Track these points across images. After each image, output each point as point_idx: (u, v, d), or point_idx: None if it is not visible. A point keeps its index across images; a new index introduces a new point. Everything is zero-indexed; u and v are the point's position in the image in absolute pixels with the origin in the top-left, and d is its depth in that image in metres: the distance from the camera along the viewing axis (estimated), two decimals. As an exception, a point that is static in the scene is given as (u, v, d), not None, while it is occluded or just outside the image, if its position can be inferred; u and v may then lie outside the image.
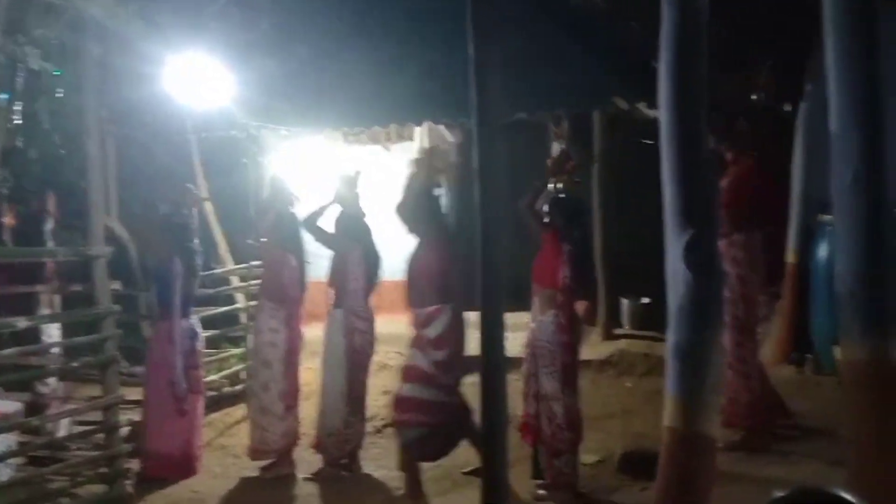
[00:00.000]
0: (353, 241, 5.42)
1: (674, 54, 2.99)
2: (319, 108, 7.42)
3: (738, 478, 4.41)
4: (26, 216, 6.14)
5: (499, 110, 2.60)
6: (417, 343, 4.80)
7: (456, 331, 4.77)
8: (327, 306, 5.53)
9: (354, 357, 5.30)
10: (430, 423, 4.73)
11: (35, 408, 5.47)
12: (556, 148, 7.97)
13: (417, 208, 4.90)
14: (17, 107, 5.07)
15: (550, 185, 5.07)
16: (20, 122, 5.32)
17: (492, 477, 2.02)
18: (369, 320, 5.42)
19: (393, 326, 7.08)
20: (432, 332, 4.75)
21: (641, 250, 7.14)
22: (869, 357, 2.81)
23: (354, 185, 5.60)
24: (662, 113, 3.08)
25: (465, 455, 5.01)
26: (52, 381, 5.87)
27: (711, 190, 3.09)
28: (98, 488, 4.65)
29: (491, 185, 2.41)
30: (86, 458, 4.90)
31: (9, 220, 6.11)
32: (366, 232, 5.54)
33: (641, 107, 6.93)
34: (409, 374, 4.83)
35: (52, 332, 5.54)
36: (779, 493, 2.92)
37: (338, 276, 5.39)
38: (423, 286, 4.80)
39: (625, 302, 7.91)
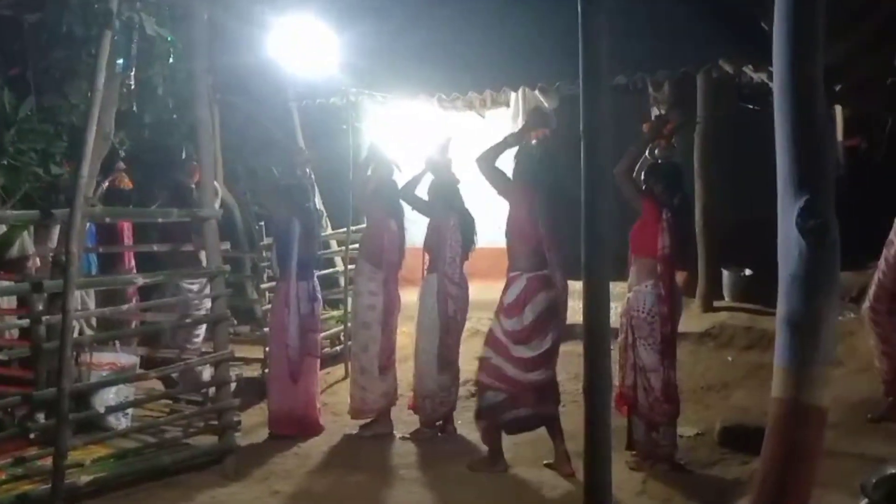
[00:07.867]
0: (448, 208, 5.45)
1: (789, 12, 2.85)
2: (415, 74, 7.41)
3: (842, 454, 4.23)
4: (141, 178, 6.39)
5: (606, 72, 2.54)
6: (496, 308, 4.80)
7: (530, 301, 4.64)
8: (422, 271, 5.61)
9: (447, 322, 5.34)
10: (505, 391, 4.67)
11: (153, 361, 5.75)
12: (655, 114, 7.75)
13: (512, 165, 4.81)
14: (132, 72, 5.21)
15: (648, 152, 4.95)
16: (134, 87, 5.47)
17: (595, 452, 1.99)
18: (463, 286, 5.44)
19: (488, 293, 7.07)
20: (506, 298, 4.73)
21: (744, 219, 6.91)
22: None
23: (447, 152, 5.62)
24: (775, 75, 2.95)
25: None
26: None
27: (827, 155, 2.95)
28: (208, 439, 4.85)
29: (596, 151, 2.36)
30: (197, 411, 5.14)
31: (125, 181, 6.38)
32: (459, 199, 5.57)
33: (748, 70, 6.63)
34: (487, 337, 4.85)
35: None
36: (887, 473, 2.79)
37: (433, 242, 5.43)
38: (508, 250, 4.79)
39: (726, 273, 7.66)
